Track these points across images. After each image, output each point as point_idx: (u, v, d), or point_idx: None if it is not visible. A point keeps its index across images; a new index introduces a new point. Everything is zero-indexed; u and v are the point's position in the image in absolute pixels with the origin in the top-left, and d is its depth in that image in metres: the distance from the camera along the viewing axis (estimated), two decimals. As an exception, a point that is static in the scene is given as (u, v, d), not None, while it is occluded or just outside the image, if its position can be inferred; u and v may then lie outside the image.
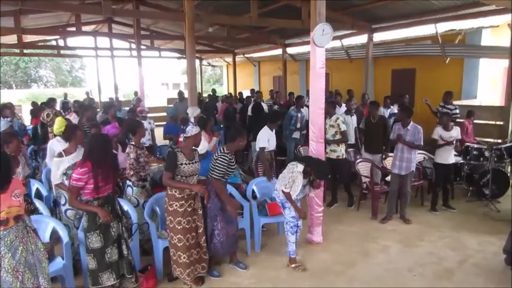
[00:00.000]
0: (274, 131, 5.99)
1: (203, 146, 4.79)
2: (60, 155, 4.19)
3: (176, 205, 3.75)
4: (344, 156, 6.30)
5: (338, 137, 6.15)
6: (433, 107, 8.03)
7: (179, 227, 3.75)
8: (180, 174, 3.73)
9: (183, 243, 3.76)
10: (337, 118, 6.19)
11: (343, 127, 6.14)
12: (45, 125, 6.98)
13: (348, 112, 7.63)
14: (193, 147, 3.95)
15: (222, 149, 4.06)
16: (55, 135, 6.12)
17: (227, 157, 3.96)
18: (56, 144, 4.91)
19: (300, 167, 4.13)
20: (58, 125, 5.01)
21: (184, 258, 3.78)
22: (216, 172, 3.96)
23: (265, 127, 5.87)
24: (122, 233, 3.57)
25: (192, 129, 3.88)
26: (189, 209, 3.81)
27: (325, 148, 6.16)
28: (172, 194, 3.77)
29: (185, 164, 3.73)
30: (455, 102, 8.16)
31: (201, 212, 3.92)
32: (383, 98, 8.94)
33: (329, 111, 6.25)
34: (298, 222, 4.34)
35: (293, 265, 4.36)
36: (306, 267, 4.36)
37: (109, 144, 3.56)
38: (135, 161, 4.47)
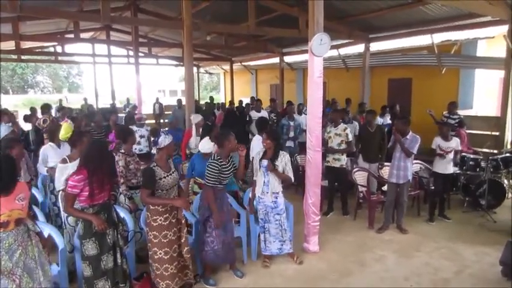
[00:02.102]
0: None
1: (209, 146, 4.84)
2: (64, 161, 4.16)
3: (161, 219, 3.64)
4: (345, 166, 6.31)
5: (344, 146, 6.15)
6: (436, 117, 8.09)
7: (165, 241, 3.65)
8: (160, 188, 3.62)
9: (169, 256, 3.67)
10: (345, 128, 6.21)
11: (351, 137, 6.15)
12: (40, 131, 6.84)
13: (342, 121, 7.66)
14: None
15: (213, 155, 4.10)
16: (51, 141, 6.08)
17: (217, 163, 3.97)
18: (49, 150, 4.88)
19: (259, 151, 4.60)
20: (65, 130, 4.97)
21: (171, 269, 3.69)
22: (209, 178, 3.98)
23: (257, 135, 5.80)
24: (118, 240, 3.54)
25: (164, 140, 3.71)
26: (173, 220, 3.73)
27: (327, 157, 6.19)
28: (155, 209, 3.63)
29: (164, 177, 3.61)
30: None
31: (184, 221, 3.87)
32: (380, 107, 9.05)
33: (335, 120, 6.29)
34: (265, 225, 4.54)
35: (264, 260, 4.63)
36: (267, 264, 4.57)
37: (105, 152, 3.54)
38: (125, 169, 4.45)
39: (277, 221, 4.51)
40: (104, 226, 3.31)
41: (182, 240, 3.81)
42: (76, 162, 4.09)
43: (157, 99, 17.43)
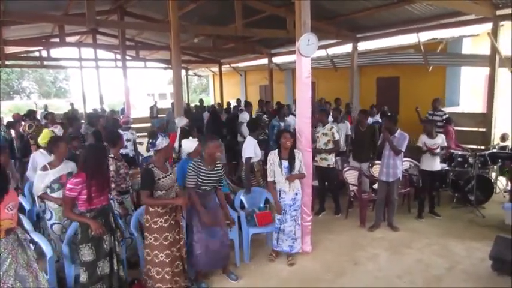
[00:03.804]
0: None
1: (192, 145, 4.81)
2: (45, 168, 4.08)
3: (161, 221, 3.62)
4: (334, 165, 6.31)
5: (330, 145, 6.16)
6: (422, 115, 8.15)
7: (166, 243, 3.63)
8: (159, 189, 3.61)
9: (170, 258, 3.66)
10: (332, 127, 6.21)
11: (337, 136, 6.15)
12: (23, 137, 6.63)
13: (334, 120, 7.70)
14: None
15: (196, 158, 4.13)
16: (38, 147, 5.96)
17: (194, 164, 3.95)
18: (39, 157, 4.80)
19: (274, 151, 4.60)
20: (43, 136, 4.88)
21: (171, 273, 3.67)
22: (187, 179, 3.97)
23: (249, 136, 5.80)
24: (115, 246, 3.51)
25: (162, 142, 3.71)
26: (173, 223, 3.72)
27: (315, 156, 6.19)
28: (155, 211, 3.62)
29: (162, 178, 3.62)
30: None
31: (182, 223, 3.87)
32: (369, 107, 9.13)
33: (322, 120, 6.31)
34: (280, 226, 4.61)
35: (270, 254, 4.80)
36: (273, 258, 4.73)
37: (105, 156, 3.52)
38: (115, 173, 4.41)
39: (293, 217, 4.58)
40: (101, 230, 3.28)
41: (181, 243, 3.81)
42: (57, 170, 4.04)
43: (155, 102, 17.50)
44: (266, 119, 9.17)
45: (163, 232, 3.63)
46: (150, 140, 6.27)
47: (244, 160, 5.61)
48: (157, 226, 3.62)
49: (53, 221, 4.09)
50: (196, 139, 5.18)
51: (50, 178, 3.99)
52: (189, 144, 4.85)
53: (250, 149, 5.54)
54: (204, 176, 3.95)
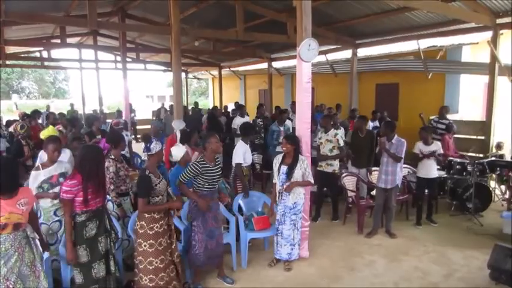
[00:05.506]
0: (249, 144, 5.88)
1: (179, 154, 4.83)
2: (37, 168, 4.06)
3: (157, 227, 3.59)
4: (338, 171, 6.29)
5: (335, 151, 6.16)
6: (426, 122, 8.16)
7: (160, 248, 3.60)
8: (156, 195, 3.59)
9: (164, 264, 3.62)
10: (336, 134, 6.22)
11: (341, 142, 6.15)
12: (15, 137, 6.43)
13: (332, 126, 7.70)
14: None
15: (197, 158, 4.14)
16: (30, 147, 5.89)
17: (197, 165, 3.94)
18: (45, 155, 4.73)
19: (280, 155, 4.67)
20: (45, 132, 4.82)
21: (166, 277, 3.64)
22: (183, 176, 3.96)
23: (240, 141, 5.72)
24: (111, 248, 3.49)
25: (156, 146, 3.74)
26: (166, 227, 3.71)
27: (320, 161, 6.23)
28: (151, 217, 3.56)
29: (158, 183, 3.61)
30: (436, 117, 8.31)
31: (173, 227, 3.85)
32: (370, 112, 9.22)
33: (326, 126, 6.30)
34: (278, 227, 4.60)
35: (272, 260, 4.75)
36: (272, 264, 4.69)
37: (101, 157, 3.50)
38: (115, 175, 4.38)
39: (292, 221, 4.56)
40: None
41: (173, 247, 3.78)
42: (48, 170, 4.02)
43: (162, 104, 17.61)
44: (260, 123, 9.13)
45: (158, 237, 3.59)
46: (146, 145, 6.24)
47: (234, 164, 5.53)
48: (153, 232, 3.57)
49: (41, 221, 4.04)
50: (184, 147, 5.17)
51: (41, 178, 3.96)
52: (176, 152, 4.81)
53: (240, 154, 5.42)
54: (210, 173, 3.97)
